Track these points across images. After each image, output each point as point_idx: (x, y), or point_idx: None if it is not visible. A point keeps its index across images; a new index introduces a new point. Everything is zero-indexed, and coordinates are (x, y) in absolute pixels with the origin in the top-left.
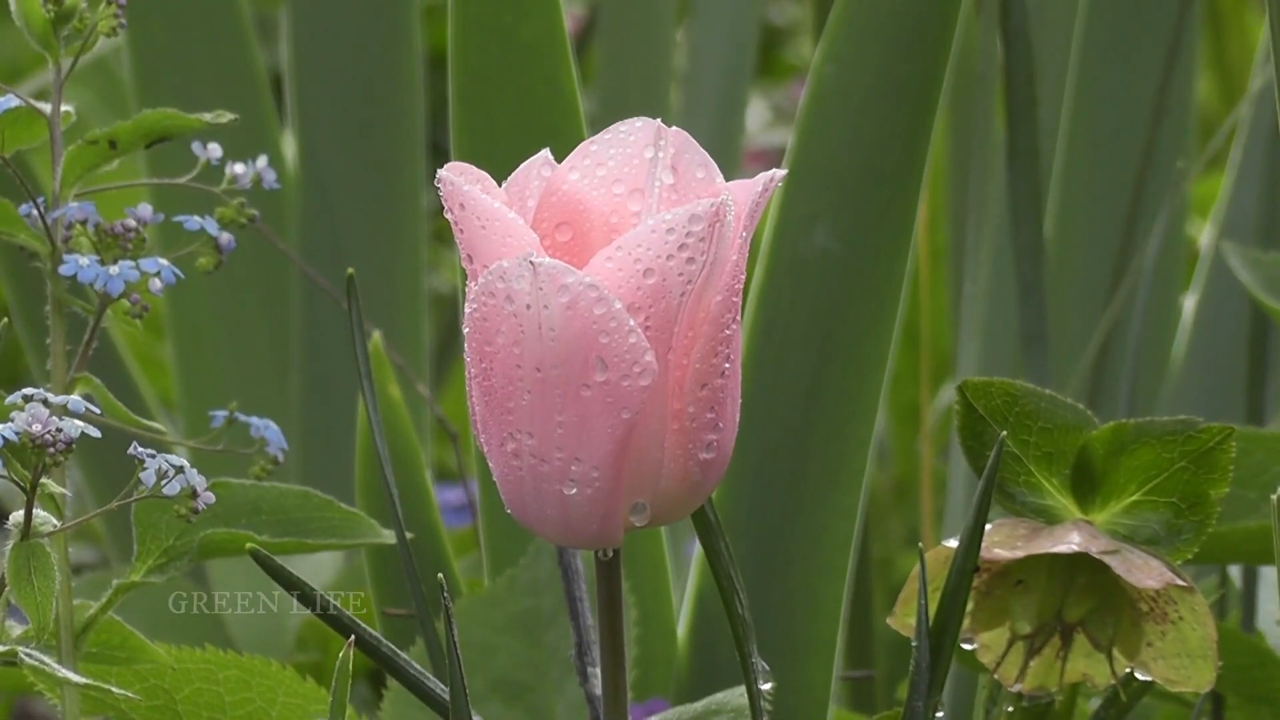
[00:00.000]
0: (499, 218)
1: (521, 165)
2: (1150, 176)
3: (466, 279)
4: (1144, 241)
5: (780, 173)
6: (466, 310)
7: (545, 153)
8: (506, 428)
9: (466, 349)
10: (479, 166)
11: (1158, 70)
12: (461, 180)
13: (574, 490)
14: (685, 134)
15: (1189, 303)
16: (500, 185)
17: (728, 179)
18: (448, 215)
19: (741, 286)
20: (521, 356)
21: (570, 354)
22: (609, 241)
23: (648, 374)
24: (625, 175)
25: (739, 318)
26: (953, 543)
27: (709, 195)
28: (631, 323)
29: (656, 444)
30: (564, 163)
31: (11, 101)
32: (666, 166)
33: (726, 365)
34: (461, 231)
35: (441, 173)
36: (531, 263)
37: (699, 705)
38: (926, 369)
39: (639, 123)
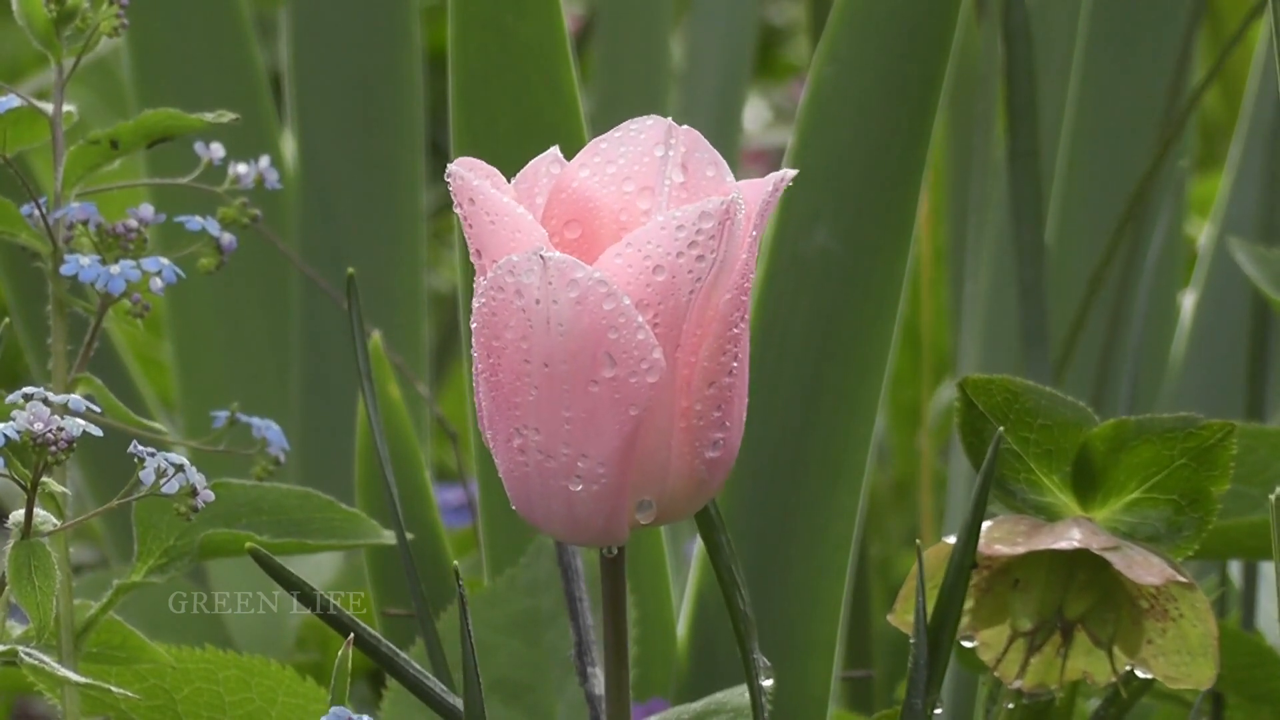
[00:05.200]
0: (509, 213)
1: (530, 162)
2: (1151, 176)
3: (474, 274)
4: (1144, 240)
5: (790, 173)
6: (474, 305)
7: (554, 150)
8: (513, 423)
9: (474, 344)
10: None
11: (1159, 70)
12: (471, 175)
13: (580, 487)
14: (696, 133)
15: (1188, 301)
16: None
17: None
18: (456, 210)
19: (750, 286)
20: (529, 351)
21: (578, 349)
22: (618, 239)
23: (655, 371)
24: (635, 173)
25: (747, 317)
26: (953, 539)
27: (719, 194)
28: (640, 319)
29: (663, 441)
30: (574, 160)
31: (13, 101)
32: (677, 165)
33: (734, 364)
34: (470, 226)
35: (451, 167)
36: (541, 257)
37: (699, 705)
38: (927, 368)
39: (649, 120)
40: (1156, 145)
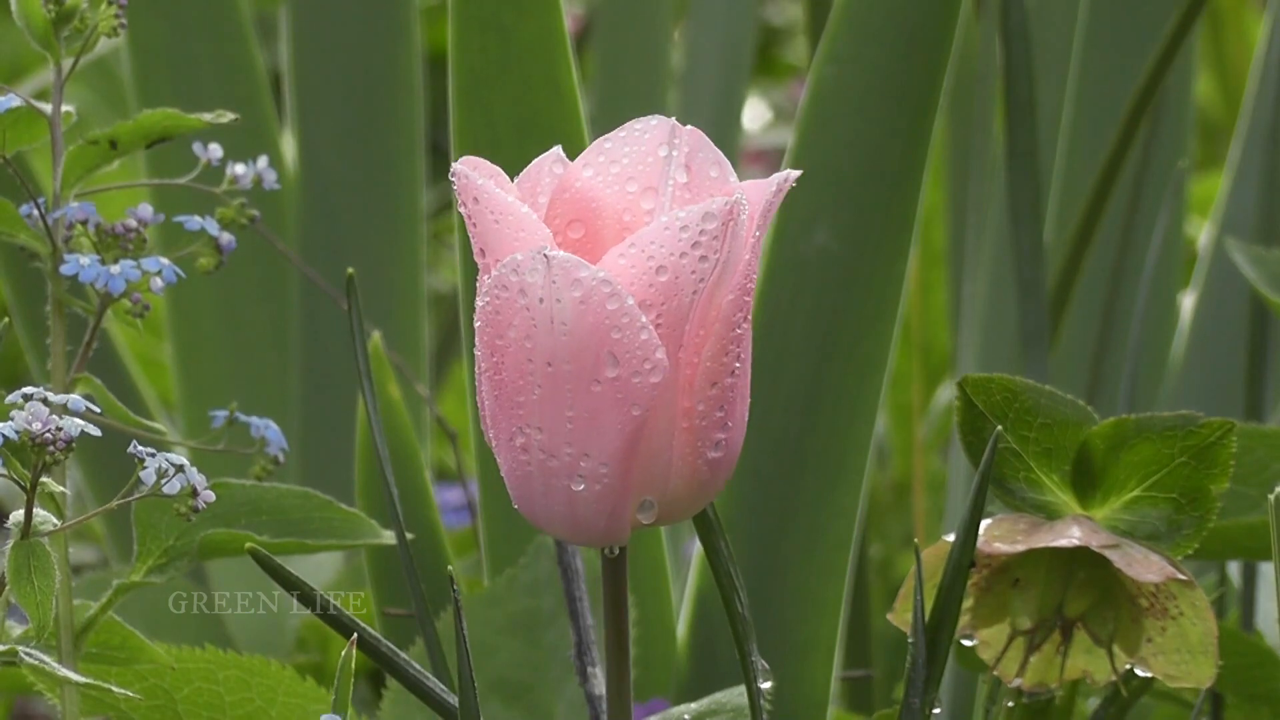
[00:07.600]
0: (513, 212)
1: (533, 162)
2: (1149, 176)
3: (478, 274)
4: (1143, 241)
5: (793, 173)
6: (478, 304)
7: (557, 149)
8: (516, 422)
9: (477, 343)
10: None
11: (1155, 69)
12: (475, 174)
13: (582, 486)
14: (700, 133)
15: (1188, 301)
16: None
17: None
18: (460, 209)
19: (754, 286)
20: (533, 351)
21: (582, 349)
22: (622, 239)
23: (658, 371)
24: (639, 173)
25: (750, 317)
26: (952, 538)
27: (723, 194)
28: (644, 319)
29: (665, 441)
30: (577, 160)
31: (13, 101)
32: (680, 165)
33: (737, 364)
34: (474, 226)
35: (456, 166)
36: (546, 256)
37: (699, 705)
38: (917, 369)
39: (653, 120)
40: (1124, 131)
